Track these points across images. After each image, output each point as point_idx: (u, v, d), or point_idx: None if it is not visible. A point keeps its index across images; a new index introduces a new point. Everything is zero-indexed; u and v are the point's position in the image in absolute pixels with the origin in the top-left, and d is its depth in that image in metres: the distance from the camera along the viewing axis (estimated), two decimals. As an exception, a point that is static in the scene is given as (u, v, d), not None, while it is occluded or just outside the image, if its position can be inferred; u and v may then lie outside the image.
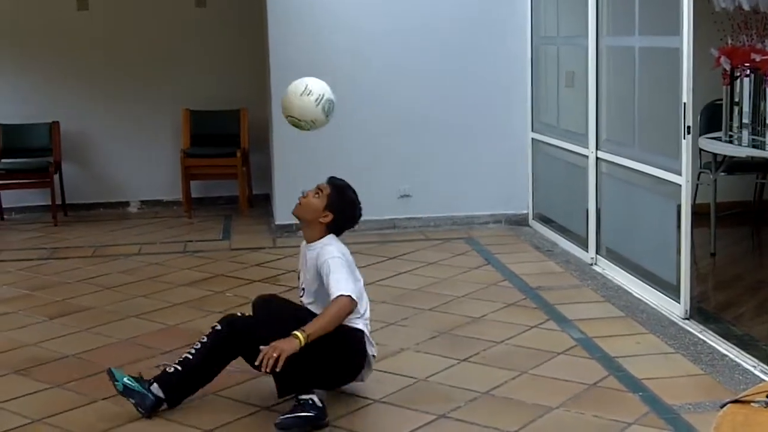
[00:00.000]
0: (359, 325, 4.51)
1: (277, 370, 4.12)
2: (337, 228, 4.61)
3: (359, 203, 4.68)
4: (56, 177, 9.42)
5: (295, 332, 4.16)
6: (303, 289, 4.69)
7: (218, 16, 9.83)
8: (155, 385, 4.51)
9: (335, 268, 4.39)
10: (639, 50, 6.30)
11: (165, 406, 4.53)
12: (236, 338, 4.53)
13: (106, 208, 9.89)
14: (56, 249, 8.22)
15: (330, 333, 4.27)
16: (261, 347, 4.19)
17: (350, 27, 8.17)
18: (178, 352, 5.27)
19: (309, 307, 4.59)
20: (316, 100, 4.50)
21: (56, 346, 5.58)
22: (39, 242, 8.52)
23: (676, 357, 5.12)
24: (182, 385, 4.56)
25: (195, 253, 7.87)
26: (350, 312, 4.36)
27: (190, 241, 8.36)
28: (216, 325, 4.61)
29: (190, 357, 4.55)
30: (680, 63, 5.58)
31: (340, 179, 4.71)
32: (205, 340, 4.58)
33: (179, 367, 4.53)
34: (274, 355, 4.10)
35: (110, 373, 4.50)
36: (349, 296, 4.31)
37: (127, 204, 9.98)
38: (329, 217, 4.55)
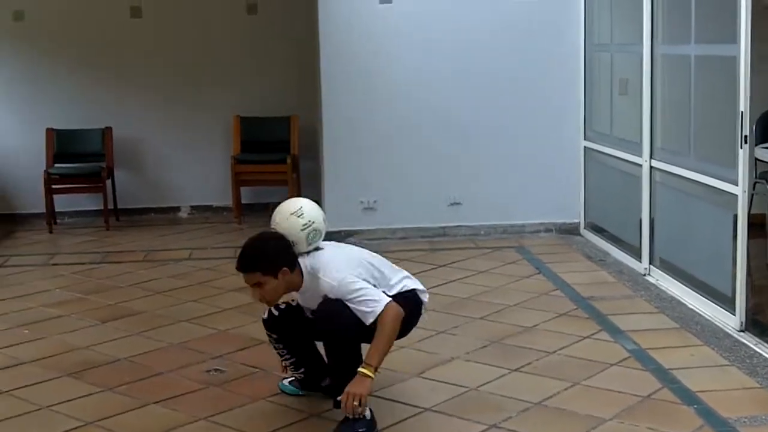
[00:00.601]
0: (408, 286, 4.48)
1: (361, 412, 4.13)
2: (294, 260, 4.33)
3: (272, 234, 4.46)
4: (108, 182, 9.51)
5: (361, 370, 4.09)
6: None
7: (269, 23, 9.87)
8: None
9: (349, 291, 4.19)
10: (695, 58, 6.21)
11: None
12: (285, 319, 4.59)
13: (157, 213, 9.96)
14: (108, 253, 8.28)
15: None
16: (339, 399, 4.14)
17: (402, 34, 8.16)
18: (229, 357, 5.34)
19: None
20: (304, 225, 4.37)
21: (108, 349, 5.62)
22: (91, 246, 8.60)
23: (731, 370, 5.04)
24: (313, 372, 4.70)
25: (245, 258, 7.88)
26: (402, 315, 4.22)
27: (240, 246, 8.34)
28: (269, 334, 4.68)
29: (289, 355, 4.67)
30: (737, 71, 5.50)
31: (245, 243, 4.46)
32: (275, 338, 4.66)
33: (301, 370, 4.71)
34: (356, 403, 4.07)
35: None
36: (388, 303, 4.18)
37: (177, 209, 10.04)
38: (287, 272, 4.28)
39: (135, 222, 9.63)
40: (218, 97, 9.87)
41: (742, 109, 5.47)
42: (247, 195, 9.73)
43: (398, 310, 4.20)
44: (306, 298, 4.45)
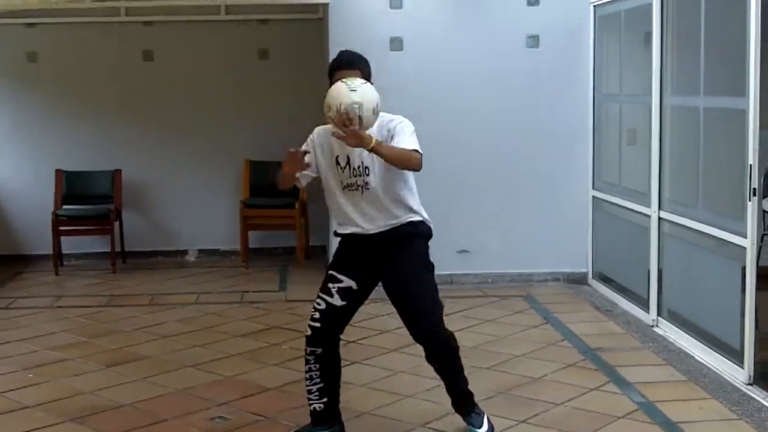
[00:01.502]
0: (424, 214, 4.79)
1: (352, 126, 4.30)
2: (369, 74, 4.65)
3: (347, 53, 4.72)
4: (116, 224, 9.52)
5: (371, 136, 4.35)
6: (361, 171, 4.57)
7: (281, 68, 9.92)
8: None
9: (407, 129, 4.57)
10: (704, 110, 6.23)
11: None
12: (331, 334, 4.69)
13: (165, 257, 9.97)
14: (114, 296, 8.28)
15: (418, 258, 4.67)
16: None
17: (412, 80, 8.19)
18: (234, 404, 5.30)
19: (371, 189, 4.58)
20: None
21: (112, 394, 5.60)
22: (97, 289, 8.60)
23: (739, 424, 5.00)
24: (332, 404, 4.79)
25: (252, 303, 7.89)
26: (414, 168, 4.54)
27: (247, 291, 8.38)
28: (312, 351, 4.68)
29: (320, 379, 4.71)
30: (746, 124, 5.51)
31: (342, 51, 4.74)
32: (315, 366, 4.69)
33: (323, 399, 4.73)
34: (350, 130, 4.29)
35: None
36: (421, 156, 4.51)
37: (185, 253, 10.05)
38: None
39: (142, 265, 9.62)
40: (228, 141, 9.91)
41: (750, 161, 5.48)
42: (254, 239, 9.73)
43: (420, 165, 4.55)
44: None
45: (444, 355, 4.78)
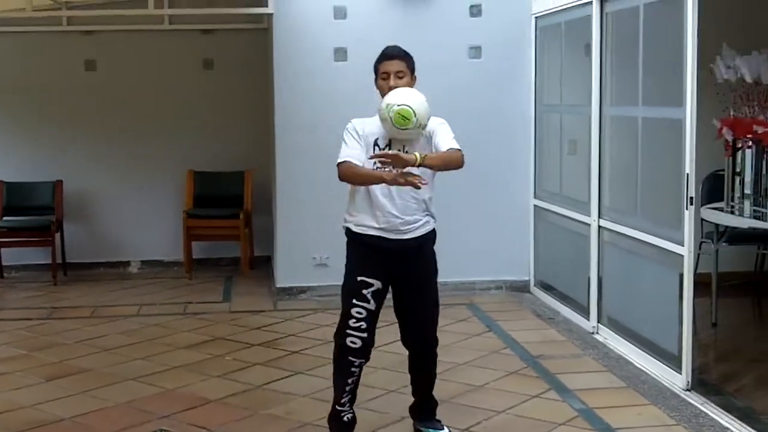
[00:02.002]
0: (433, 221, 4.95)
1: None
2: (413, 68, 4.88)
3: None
4: (58, 236, 9.42)
5: (416, 154, 4.51)
6: (400, 150, 4.64)
7: (225, 78, 9.90)
8: None
9: (446, 129, 4.79)
10: (642, 120, 6.33)
11: None
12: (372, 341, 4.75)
13: (107, 268, 9.88)
14: (55, 309, 8.20)
15: (432, 264, 4.88)
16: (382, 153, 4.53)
17: (356, 91, 8.17)
18: (176, 417, 5.27)
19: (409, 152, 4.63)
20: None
21: (53, 408, 5.54)
22: (38, 301, 8.51)
23: (677, 429, 5.07)
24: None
25: (195, 315, 7.85)
26: (458, 167, 4.75)
27: (190, 302, 8.33)
28: (360, 362, 4.73)
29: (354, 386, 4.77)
30: (683, 134, 5.61)
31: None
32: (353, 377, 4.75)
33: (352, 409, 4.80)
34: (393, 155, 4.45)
35: None
36: (462, 154, 4.70)
37: (127, 264, 9.97)
38: (414, 82, 4.81)
39: (83, 277, 9.53)
40: (172, 152, 9.86)
41: (687, 170, 5.57)
42: (198, 250, 9.69)
43: (463, 161, 4.77)
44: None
45: (431, 361, 4.95)
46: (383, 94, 4.64)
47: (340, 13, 8.22)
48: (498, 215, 8.37)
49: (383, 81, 4.72)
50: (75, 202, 9.79)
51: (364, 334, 4.65)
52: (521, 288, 8.44)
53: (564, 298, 7.73)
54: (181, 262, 9.63)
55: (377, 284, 4.69)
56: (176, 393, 5.80)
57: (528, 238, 8.41)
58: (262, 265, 9.67)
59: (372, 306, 4.67)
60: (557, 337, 6.98)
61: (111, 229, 9.94)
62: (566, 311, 7.56)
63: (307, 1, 8.18)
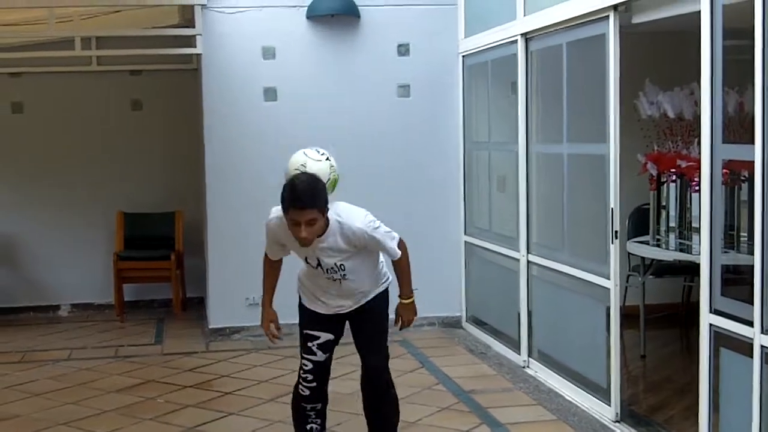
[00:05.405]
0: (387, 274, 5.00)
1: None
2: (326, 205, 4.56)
3: (312, 175, 4.59)
4: (-15, 280, 9.30)
5: (405, 301, 4.88)
6: (336, 268, 4.68)
7: (154, 119, 9.88)
8: None
9: (373, 229, 4.62)
10: (567, 156, 6.44)
11: None
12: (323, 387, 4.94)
13: (36, 312, 9.75)
14: (-17, 354, 8.07)
15: (380, 303, 4.91)
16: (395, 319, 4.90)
17: (286, 130, 8.22)
18: (107, 461, 5.19)
19: (349, 280, 4.73)
20: (332, 168, 4.80)
21: (-19, 455, 5.45)
22: (-34, 347, 8.36)
23: (608, 461, 5.15)
24: None
25: (126, 358, 7.78)
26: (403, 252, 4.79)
27: (122, 345, 8.25)
28: (313, 407, 4.91)
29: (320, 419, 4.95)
30: (607, 169, 5.73)
31: (299, 182, 4.48)
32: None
33: None
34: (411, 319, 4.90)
35: None
36: (400, 238, 4.77)
37: (57, 308, 9.85)
38: (325, 212, 4.51)
39: (12, 321, 9.39)
40: (102, 193, 9.79)
41: (612, 205, 5.69)
42: (130, 292, 9.61)
43: (403, 241, 4.81)
44: (325, 247, 4.58)
45: (386, 399, 5.02)
46: (294, 236, 4.49)
47: (269, 54, 8.27)
48: (429, 252, 8.41)
49: (295, 227, 4.41)
50: (2, 246, 9.66)
51: (313, 384, 4.85)
52: (453, 324, 8.51)
53: (495, 333, 7.80)
54: (112, 304, 9.53)
55: (325, 336, 4.86)
56: (107, 437, 5.75)
57: (459, 274, 8.49)
58: (195, 307, 9.61)
59: (320, 357, 4.86)
60: (489, 371, 7.04)
61: (40, 273, 9.82)
62: (498, 346, 7.64)
63: (236, 42, 8.22)
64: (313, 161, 4.70)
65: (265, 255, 4.92)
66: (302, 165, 4.68)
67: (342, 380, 6.76)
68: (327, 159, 4.75)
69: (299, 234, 4.39)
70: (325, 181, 4.57)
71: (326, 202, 4.47)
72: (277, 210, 4.60)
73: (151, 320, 9.30)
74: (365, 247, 4.65)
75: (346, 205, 4.67)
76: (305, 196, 4.37)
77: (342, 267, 4.67)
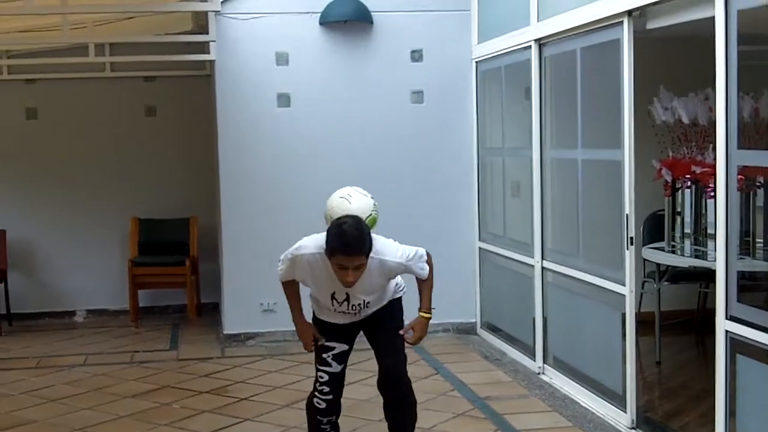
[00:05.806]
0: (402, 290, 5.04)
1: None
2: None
3: (357, 219, 4.56)
4: (1, 286, 9.32)
5: (423, 314, 4.86)
6: (362, 305, 4.78)
7: (168, 125, 9.91)
8: None
9: (407, 260, 4.71)
10: (582, 162, 6.44)
11: None
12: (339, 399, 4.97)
13: (52, 318, 9.78)
14: (0, 360, 8.07)
15: (395, 305, 4.96)
16: (404, 333, 4.86)
17: (300, 136, 8.27)
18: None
19: (368, 308, 4.83)
20: (374, 206, 4.97)
21: (-3, 461, 5.48)
22: (-18, 353, 8.40)
23: (623, 467, 5.14)
24: None
25: (142, 363, 7.79)
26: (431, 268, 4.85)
27: (137, 351, 8.27)
28: (329, 420, 4.96)
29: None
30: (622, 175, 5.72)
31: (349, 228, 4.44)
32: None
33: None
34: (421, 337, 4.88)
35: None
36: (427, 253, 4.83)
37: (73, 313, 9.87)
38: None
39: (29, 327, 9.42)
40: (116, 199, 9.82)
41: (627, 211, 5.68)
42: (145, 298, 9.64)
43: (429, 255, 4.89)
44: (367, 282, 4.60)
45: (405, 402, 5.03)
46: (340, 279, 4.50)
47: (282, 60, 8.28)
48: (443, 258, 8.29)
49: (341, 271, 4.42)
50: (19, 252, 9.70)
51: (329, 397, 4.90)
52: (468, 330, 8.50)
53: (510, 339, 7.79)
54: (127, 310, 9.56)
55: (340, 347, 4.90)
56: (123, 443, 5.77)
57: (474, 280, 8.48)
58: (209, 312, 9.63)
59: (335, 369, 4.91)
60: (504, 378, 7.03)
61: (56, 279, 9.85)
62: (513, 352, 7.63)
63: (249, 48, 8.24)
64: (360, 194, 4.87)
65: (284, 282, 4.90)
66: (348, 195, 4.83)
67: (357, 386, 6.79)
68: (370, 197, 4.93)
69: (346, 278, 4.42)
70: (365, 218, 4.65)
71: (372, 245, 4.47)
72: (314, 246, 4.60)
73: (166, 326, 9.32)
74: (397, 275, 4.79)
75: (379, 240, 4.66)
76: (356, 242, 4.38)
77: (367, 304, 4.79)
